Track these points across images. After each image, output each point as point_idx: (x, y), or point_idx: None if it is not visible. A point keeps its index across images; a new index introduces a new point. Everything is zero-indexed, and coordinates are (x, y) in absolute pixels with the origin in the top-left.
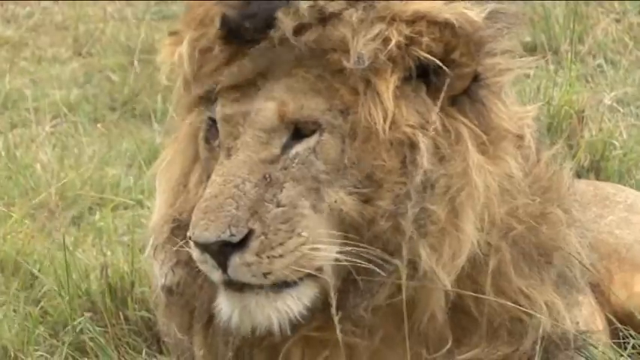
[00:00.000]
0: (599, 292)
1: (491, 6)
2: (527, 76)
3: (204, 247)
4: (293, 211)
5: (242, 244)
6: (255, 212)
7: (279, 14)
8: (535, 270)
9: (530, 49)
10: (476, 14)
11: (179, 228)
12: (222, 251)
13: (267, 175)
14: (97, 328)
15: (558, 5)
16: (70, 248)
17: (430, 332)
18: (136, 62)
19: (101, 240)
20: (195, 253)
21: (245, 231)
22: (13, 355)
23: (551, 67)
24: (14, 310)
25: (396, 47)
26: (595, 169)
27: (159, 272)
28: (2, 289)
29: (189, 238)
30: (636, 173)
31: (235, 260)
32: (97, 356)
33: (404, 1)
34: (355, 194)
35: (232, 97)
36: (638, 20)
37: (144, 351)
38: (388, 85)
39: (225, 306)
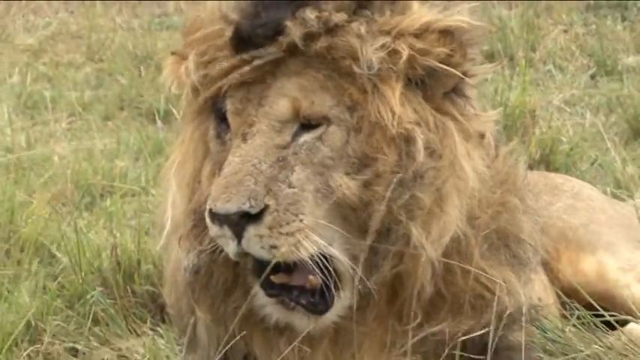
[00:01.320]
0: (550, 270)
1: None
2: (486, 80)
3: (224, 217)
4: (301, 194)
5: (257, 217)
6: (270, 190)
7: (288, 23)
8: (494, 252)
9: (489, 56)
10: (467, 20)
11: (201, 220)
12: (239, 222)
13: (280, 158)
14: (108, 301)
15: (513, 17)
16: (84, 230)
17: (405, 308)
18: (141, 67)
19: (111, 223)
20: (214, 229)
21: (262, 205)
22: (34, 323)
23: (507, 72)
24: (35, 285)
25: (407, 59)
26: (545, 162)
27: (185, 258)
28: (24, 267)
29: (210, 211)
30: (581, 165)
31: (250, 231)
32: (107, 325)
33: (406, 16)
34: (356, 180)
35: (241, 94)
36: (583, 31)
37: (148, 320)
38: (394, 92)
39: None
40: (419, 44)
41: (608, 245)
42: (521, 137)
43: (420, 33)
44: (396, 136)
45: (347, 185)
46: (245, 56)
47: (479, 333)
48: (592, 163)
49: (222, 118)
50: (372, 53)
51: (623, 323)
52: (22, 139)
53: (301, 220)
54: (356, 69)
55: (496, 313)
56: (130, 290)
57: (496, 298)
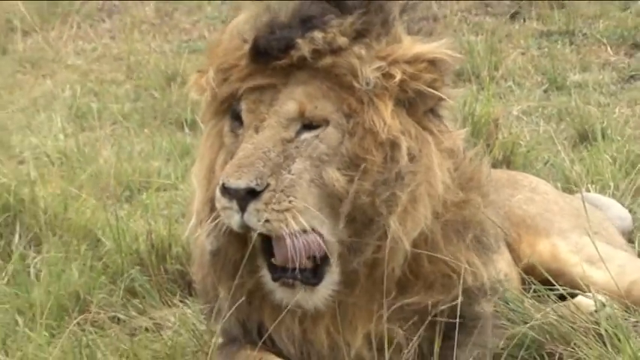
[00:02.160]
0: (513, 251)
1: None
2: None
3: (234, 191)
4: (298, 180)
5: (258, 195)
6: (274, 174)
7: (299, 41)
8: (460, 239)
9: (459, 75)
10: (449, 53)
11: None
12: (245, 197)
13: (285, 150)
14: (144, 277)
15: (479, 42)
16: (124, 219)
17: (381, 285)
18: (172, 84)
19: (147, 213)
20: (223, 201)
21: (265, 184)
22: (82, 297)
23: (474, 87)
24: (83, 264)
25: (399, 81)
26: (507, 162)
27: (206, 241)
28: (74, 249)
29: (222, 185)
30: (536, 165)
31: (251, 206)
32: (144, 297)
33: (400, 46)
34: (346, 175)
35: (255, 96)
36: (538, 53)
37: (178, 294)
38: (387, 107)
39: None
40: (410, 70)
41: (561, 231)
42: (486, 141)
43: (412, 61)
44: (384, 141)
45: (337, 179)
46: (258, 66)
47: (447, 305)
48: (545, 163)
49: (236, 117)
50: (369, 72)
51: (573, 296)
52: (72, 144)
53: (290, 202)
54: (355, 84)
55: (463, 289)
56: (162, 269)
57: (461, 277)
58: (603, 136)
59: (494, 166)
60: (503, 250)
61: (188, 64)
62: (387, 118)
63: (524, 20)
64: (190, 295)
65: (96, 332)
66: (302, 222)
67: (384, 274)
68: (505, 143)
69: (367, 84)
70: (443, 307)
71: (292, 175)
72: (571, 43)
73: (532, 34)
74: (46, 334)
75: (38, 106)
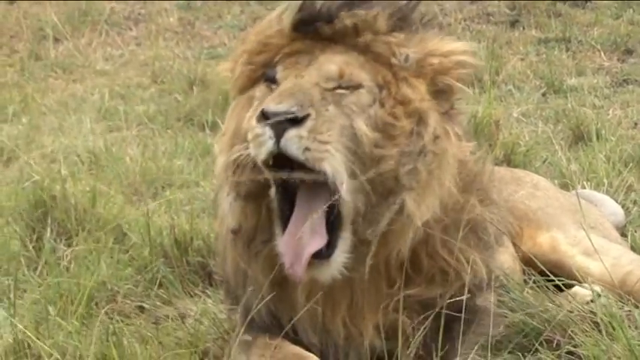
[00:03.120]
0: (515, 243)
1: None
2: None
3: (274, 115)
4: (334, 121)
5: (300, 122)
6: (313, 106)
7: (343, 13)
8: (465, 238)
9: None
10: (470, 54)
11: (238, 167)
12: (282, 124)
13: (322, 94)
14: (168, 269)
15: (482, 48)
16: (149, 214)
17: (390, 272)
18: (194, 87)
19: (170, 209)
20: (257, 129)
21: (306, 112)
22: (110, 287)
23: (477, 91)
24: (111, 257)
25: (434, 70)
26: (507, 161)
27: (228, 210)
28: (103, 242)
29: (261, 112)
30: (535, 163)
31: (291, 132)
32: (167, 288)
33: (435, 40)
34: (374, 134)
35: (293, 60)
36: (536, 59)
37: (200, 284)
38: (421, 85)
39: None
40: (444, 62)
41: (560, 225)
42: (488, 141)
43: (446, 55)
44: (414, 113)
45: (366, 133)
46: (300, 34)
47: (448, 300)
48: (544, 162)
49: (271, 81)
50: (410, 51)
51: (570, 286)
52: (101, 144)
53: (330, 135)
54: (393, 60)
55: (461, 284)
56: (185, 261)
57: (467, 271)
58: (598, 137)
59: (496, 164)
60: (508, 244)
61: (208, 69)
62: (421, 93)
63: (524, 28)
64: (211, 285)
65: (122, 321)
66: (338, 163)
67: (389, 255)
68: (506, 143)
69: (405, 60)
70: (443, 301)
71: (330, 114)
72: (567, 50)
73: (531, 41)
74: (76, 323)
75: (69, 109)
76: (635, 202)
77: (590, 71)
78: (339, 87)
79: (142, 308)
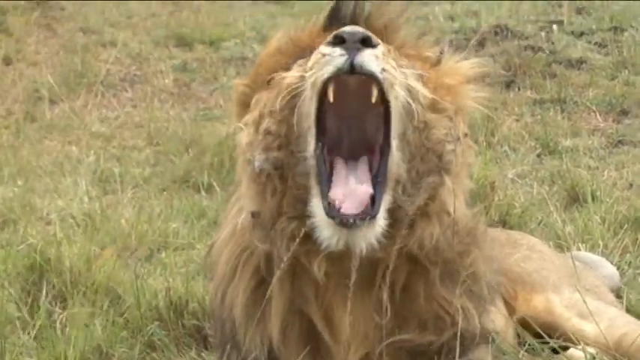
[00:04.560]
0: (509, 305)
1: None
2: None
3: (350, 35)
4: (395, 69)
5: (374, 46)
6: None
7: (375, 11)
8: (455, 285)
9: None
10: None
11: (269, 134)
12: (357, 44)
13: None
14: (163, 332)
15: (477, 110)
16: (144, 277)
17: (382, 292)
18: (189, 150)
19: (166, 271)
20: (326, 49)
21: (378, 42)
22: (105, 350)
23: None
24: (106, 320)
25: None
26: (502, 222)
27: (246, 190)
28: (98, 305)
29: (334, 34)
30: (530, 225)
31: (367, 51)
32: (162, 351)
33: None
34: (429, 96)
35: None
36: (531, 120)
37: (194, 347)
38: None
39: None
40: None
41: (555, 287)
42: (483, 203)
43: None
44: (454, 99)
45: (422, 91)
46: (335, 29)
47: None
48: (539, 223)
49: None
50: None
51: (566, 348)
52: (96, 206)
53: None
54: (428, 54)
55: (454, 333)
56: (180, 324)
57: (459, 320)
58: (593, 198)
59: (490, 225)
60: (499, 305)
61: (204, 131)
62: (459, 84)
63: (519, 89)
64: (206, 348)
65: None
66: (401, 98)
67: (412, 247)
68: (501, 205)
69: (440, 52)
70: (434, 349)
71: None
72: (562, 111)
73: (526, 102)
74: None
75: (64, 171)
76: (630, 264)
77: (586, 132)
78: None
79: None
